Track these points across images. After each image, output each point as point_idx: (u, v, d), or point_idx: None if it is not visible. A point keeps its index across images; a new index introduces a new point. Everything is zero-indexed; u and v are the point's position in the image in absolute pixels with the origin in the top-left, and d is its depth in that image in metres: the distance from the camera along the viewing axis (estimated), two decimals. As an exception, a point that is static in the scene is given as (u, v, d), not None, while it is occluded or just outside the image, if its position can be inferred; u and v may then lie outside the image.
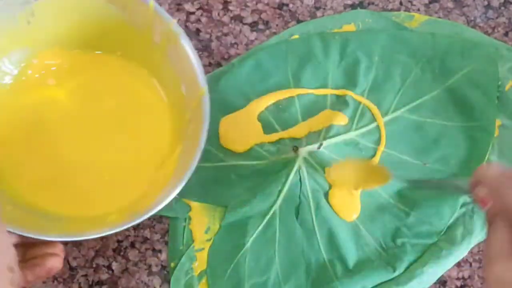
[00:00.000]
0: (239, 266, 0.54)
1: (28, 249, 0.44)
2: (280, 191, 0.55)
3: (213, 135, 0.58)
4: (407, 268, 0.54)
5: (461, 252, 0.55)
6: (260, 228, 0.55)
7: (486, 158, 0.58)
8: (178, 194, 0.55)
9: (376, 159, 0.57)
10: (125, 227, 0.46)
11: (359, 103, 0.59)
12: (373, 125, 0.59)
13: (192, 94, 0.51)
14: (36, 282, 0.43)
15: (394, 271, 0.54)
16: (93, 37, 0.55)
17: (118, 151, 0.54)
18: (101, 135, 0.54)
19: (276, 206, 0.55)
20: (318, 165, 0.56)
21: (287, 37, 0.63)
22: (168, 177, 0.50)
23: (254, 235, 0.55)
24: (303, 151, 0.56)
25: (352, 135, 0.58)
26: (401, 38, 0.62)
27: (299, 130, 0.59)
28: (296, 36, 0.62)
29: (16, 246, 0.42)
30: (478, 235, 0.55)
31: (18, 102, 0.54)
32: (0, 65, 0.53)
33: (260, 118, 0.59)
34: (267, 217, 0.55)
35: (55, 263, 0.44)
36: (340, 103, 0.60)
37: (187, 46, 0.51)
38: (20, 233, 0.43)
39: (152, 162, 0.53)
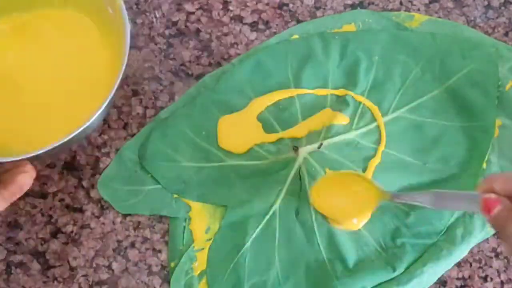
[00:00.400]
0: (239, 265, 0.54)
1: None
2: (280, 191, 0.55)
3: (213, 135, 0.58)
4: (407, 268, 0.54)
5: (461, 252, 0.55)
6: (260, 228, 0.55)
7: (486, 158, 0.57)
8: (178, 194, 0.55)
9: (376, 159, 0.57)
10: (73, 134, 0.48)
11: (359, 103, 0.59)
12: (373, 125, 0.59)
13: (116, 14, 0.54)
14: (12, 199, 0.47)
15: (394, 271, 0.54)
16: None
17: (63, 83, 0.57)
18: (47, 71, 0.58)
19: (276, 206, 0.55)
20: (318, 165, 0.56)
21: (287, 37, 0.63)
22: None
23: (254, 235, 0.55)
24: (303, 151, 0.56)
25: (352, 135, 0.58)
26: (401, 38, 0.62)
27: (299, 130, 0.59)
28: (296, 36, 0.62)
29: None
30: (478, 235, 0.55)
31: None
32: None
33: (260, 118, 0.59)
34: (267, 217, 0.55)
35: (26, 179, 0.48)
36: (340, 103, 0.60)
37: None
38: None
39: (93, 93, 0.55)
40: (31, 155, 0.48)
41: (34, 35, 0.60)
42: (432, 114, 0.59)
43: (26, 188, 0.48)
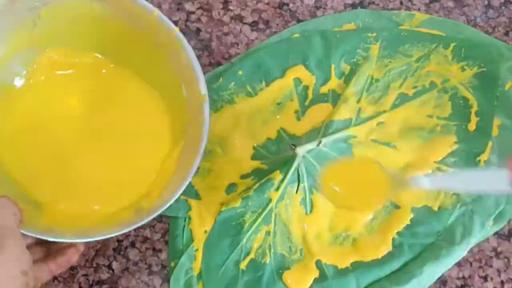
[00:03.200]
0: (234, 261, 0.54)
1: (50, 244, 0.48)
2: (277, 188, 0.55)
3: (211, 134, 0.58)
4: (406, 267, 0.54)
5: (461, 252, 0.55)
6: (256, 225, 0.55)
7: (486, 158, 0.57)
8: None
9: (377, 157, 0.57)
10: (134, 226, 0.47)
11: (359, 100, 0.59)
12: (373, 122, 0.59)
13: (192, 99, 0.53)
14: (57, 272, 0.47)
15: (390, 270, 0.54)
16: (96, 41, 0.56)
17: (119, 153, 0.55)
18: (103, 139, 0.56)
19: (273, 203, 0.55)
20: (317, 162, 0.56)
21: (288, 36, 0.63)
22: (168, 178, 0.51)
23: (250, 232, 0.55)
24: (302, 149, 0.56)
25: (351, 132, 0.58)
26: (401, 36, 0.62)
27: (299, 126, 0.59)
28: (297, 35, 0.62)
29: (36, 244, 0.47)
30: (478, 235, 0.55)
31: (26, 103, 0.56)
32: (11, 66, 0.55)
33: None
34: (264, 214, 0.55)
35: (74, 254, 0.48)
36: (340, 99, 0.60)
37: (189, 53, 0.52)
38: (34, 235, 0.45)
39: (152, 164, 0.54)
40: (95, 239, 0.48)
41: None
42: (432, 112, 0.59)
43: (72, 262, 0.48)
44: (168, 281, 0.54)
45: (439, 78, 0.61)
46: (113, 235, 0.47)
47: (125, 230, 0.47)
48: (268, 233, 0.55)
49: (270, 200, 0.55)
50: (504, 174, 0.41)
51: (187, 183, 0.49)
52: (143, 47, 0.55)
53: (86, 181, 0.54)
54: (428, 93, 0.60)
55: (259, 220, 0.55)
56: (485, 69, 0.60)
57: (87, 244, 0.55)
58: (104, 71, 0.57)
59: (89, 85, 0.57)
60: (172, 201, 0.48)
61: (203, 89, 0.52)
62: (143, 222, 0.47)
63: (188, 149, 0.52)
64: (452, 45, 0.61)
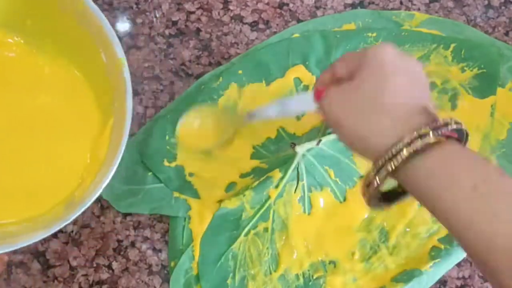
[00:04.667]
0: (231, 256, 0.54)
1: None
2: (277, 186, 0.55)
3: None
4: (405, 267, 0.54)
5: (461, 253, 0.55)
6: (253, 221, 0.55)
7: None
8: (179, 192, 0.55)
9: None
10: (68, 221, 0.44)
11: None
12: None
13: (111, 66, 0.48)
14: None
15: (389, 269, 0.54)
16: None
17: (43, 146, 0.50)
18: (21, 131, 0.50)
19: (271, 201, 0.55)
20: (317, 161, 0.56)
21: (288, 36, 0.63)
22: (101, 161, 0.47)
23: (247, 228, 0.55)
24: (302, 148, 0.56)
25: None
26: (401, 36, 0.62)
27: (300, 126, 0.59)
28: (297, 35, 0.62)
29: None
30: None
31: None
32: None
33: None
34: (262, 210, 0.55)
35: None
36: None
37: (98, 14, 0.47)
38: None
39: (83, 150, 0.50)
40: (18, 246, 0.43)
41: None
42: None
43: None
44: (168, 281, 0.54)
45: (439, 78, 0.61)
46: (37, 239, 0.43)
47: (53, 230, 0.43)
48: (266, 229, 0.55)
49: (269, 197, 0.55)
50: (309, 96, 0.45)
51: (117, 162, 0.44)
52: (46, 14, 0.49)
53: (6, 185, 0.48)
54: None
55: (257, 216, 0.55)
56: (485, 70, 0.60)
57: (87, 244, 0.55)
58: (11, 54, 0.51)
59: None
60: (101, 189, 0.44)
61: (119, 52, 0.47)
62: (73, 217, 0.43)
63: (118, 125, 0.47)
64: (452, 45, 0.61)
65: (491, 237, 0.33)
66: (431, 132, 0.37)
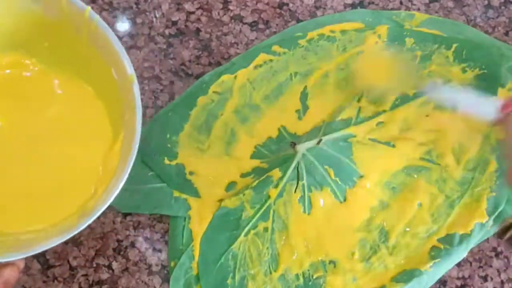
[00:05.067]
0: (231, 256, 0.54)
1: None
2: (277, 186, 0.55)
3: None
4: (405, 267, 0.54)
5: (460, 253, 0.55)
6: (253, 220, 0.55)
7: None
8: (179, 190, 0.55)
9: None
10: (80, 229, 0.45)
11: (359, 99, 0.59)
12: (373, 121, 0.59)
13: (122, 82, 0.49)
14: None
15: (389, 269, 0.54)
16: (11, 38, 0.52)
17: (57, 160, 0.52)
18: (37, 145, 0.52)
19: (271, 200, 0.55)
20: (317, 160, 0.56)
21: (288, 35, 0.62)
22: (112, 173, 0.49)
23: (248, 227, 0.55)
24: (302, 147, 0.56)
25: (351, 131, 0.58)
26: (401, 35, 0.62)
27: (301, 126, 0.59)
28: (304, 42, 0.62)
29: None
30: (477, 235, 0.55)
31: None
32: None
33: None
34: (262, 210, 0.55)
35: (11, 272, 0.44)
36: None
37: (108, 32, 0.49)
38: None
39: (96, 163, 0.52)
40: (31, 253, 0.44)
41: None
42: (431, 112, 0.59)
43: (13, 282, 0.44)
44: (168, 281, 0.54)
45: (440, 79, 0.61)
46: (51, 246, 0.43)
47: (65, 238, 0.44)
48: (266, 229, 0.55)
49: (269, 197, 0.55)
50: (494, 103, 0.44)
51: (126, 175, 0.46)
52: (61, 37, 0.51)
53: (22, 197, 0.50)
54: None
55: (257, 216, 0.55)
56: (486, 71, 0.60)
57: (87, 244, 0.55)
58: (27, 74, 0.53)
59: (11, 89, 0.53)
60: (112, 198, 0.45)
61: (129, 69, 0.48)
62: (85, 225, 0.44)
63: (128, 138, 0.48)
64: (454, 46, 0.61)
65: None
66: None
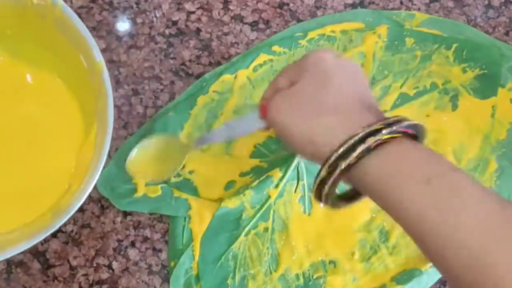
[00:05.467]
0: (231, 256, 0.54)
1: None
2: (277, 186, 0.55)
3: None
4: (405, 267, 0.54)
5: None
6: (254, 220, 0.55)
7: (485, 156, 0.58)
8: (178, 189, 0.55)
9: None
10: (56, 227, 0.44)
11: None
12: None
13: (92, 70, 0.48)
14: None
15: (389, 269, 0.54)
16: None
17: (28, 156, 0.51)
18: (5, 142, 0.51)
19: (271, 200, 0.55)
20: None
21: (289, 35, 0.63)
22: (86, 168, 0.47)
23: (248, 227, 0.55)
24: None
25: None
26: (401, 35, 0.62)
27: None
28: (304, 42, 0.62)
29: None
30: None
31: None
32: None
33: None
34: (262, 210, 0.55)
35: None
36: None
37: (73, 17, 0.47)
38: None
39: (69, 157, 0.51)
40: (4, 257, 0.44)
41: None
42: (431, 112, 0.59)
43: None
44: (168, 281, 0.54)
45: (440, 79, 0.61)
46: (25, 247, 0.43)
47: (40, 238, 0.43)
48: (266, 229, 0.55)
49: (269, 197, 0.55)
50: (255, 115, 0.45)
51: (101, 167, 0.45)
52: (25, 25, 0.49)
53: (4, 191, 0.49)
54: (429, 94, 0.60)
55: (258, 216, 0.55)
56: (486, 71, 0.60)
57: (87, 243, 0.55)
58: None
59: None
60: (87, 194, 0.44)
61: (97, 56, 0.47)
62: (59, 224, 0.43)
63: (101, 130, 0.47)
64: (454, 46, 0.61)
65: (445, 230, 0.33)
66: (384, 130, 0.36)
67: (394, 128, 0.36)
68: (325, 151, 0.38)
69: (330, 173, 0.37)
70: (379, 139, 0.36)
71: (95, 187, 0.57)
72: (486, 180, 0.57)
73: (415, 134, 0.38)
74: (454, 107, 0.60)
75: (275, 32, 0.64)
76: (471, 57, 0.61)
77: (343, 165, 0.37)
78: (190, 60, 0.63)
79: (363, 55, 0.62)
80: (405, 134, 0.37)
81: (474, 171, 0.57)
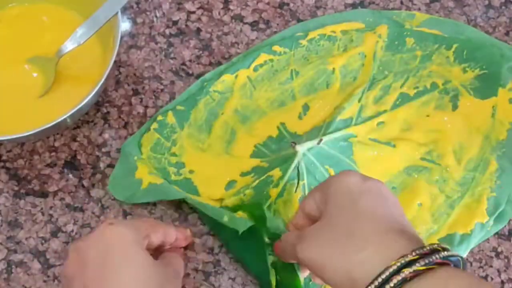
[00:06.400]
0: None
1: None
2: (277, 185, 0.55)
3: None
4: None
5: (461, 253, 0.54)
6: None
7: (485, 155, 0.58)
8: (177, 187, 0.55)
9: (376, 154, 0.58)
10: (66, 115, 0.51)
11: (360, 99, 0.59)
12: (373, 121, 0.59)
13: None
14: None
15: None
16: None
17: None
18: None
19: (272, 200, 0.55)
20: (317, 160, 0.56)
21: (289, 35, 0.63)
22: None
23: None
24: (302, 147, 0.56)
25: (352, 131, 0.58)
26: (403, 36, 0.62)
27: (301, 125, 0.59)
28: (304, 42, 0.62)
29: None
30: (478, 235, 0.55)
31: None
32: None
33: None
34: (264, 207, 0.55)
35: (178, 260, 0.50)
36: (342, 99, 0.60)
37: None
38: None
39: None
40: (27, 134, 0.50)
41: (26, 27, 0.61)
42: (434, 110, 0.59)
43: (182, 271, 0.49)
44: (168, 281, 0.54)
45: (440, 79, 0.61)
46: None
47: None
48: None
49: (270, 197, 0.55)
50: None
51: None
52: None
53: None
54: (429, 94, 0.60)
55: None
56: (486, 71, 0.60)
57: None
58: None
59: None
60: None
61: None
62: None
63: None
64: (454, 46, 0.61)
65: None
66: (420, 260, 0.36)
67: (431, 259, 0.36)
68: (362, 283, 0.37)
69: None
70: (415, 270, 0.36)
71: (95, 187, 0.57)
72: (487, 180, 0.57)
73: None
74: (455, 107, 0.60)
75: (275, 32, 0.64)
76: (471, 57, 0.61)
77: None
78: (190, 60, 0.63)
79: (364, 55, 0.62)
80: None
81: (474, 171, 0.57)
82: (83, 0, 0.59)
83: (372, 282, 0.36)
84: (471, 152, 0.58)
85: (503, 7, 0.66)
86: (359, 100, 0.59)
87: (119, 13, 0.55)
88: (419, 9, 0.66)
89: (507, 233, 0.57)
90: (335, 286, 0.40)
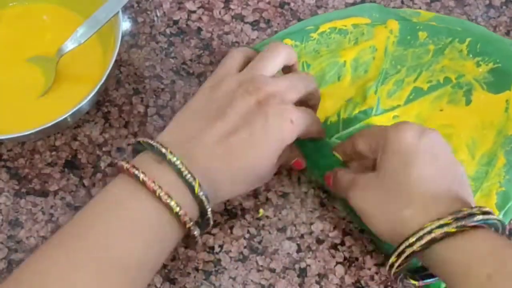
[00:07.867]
0: None
1: None
2: None
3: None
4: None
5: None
6: None
7: (505, 161, 0.58)
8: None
9: None
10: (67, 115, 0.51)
11: (375, 91, 0.59)
12: (389, 115, 0.59)
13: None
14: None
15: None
16: None
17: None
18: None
19: None
20: None
21: (299, 28, 0.62)
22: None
23: None
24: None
25: (372, 121, 0.58)
26: (414, 29, 0.62)
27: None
28: (315, 35, 0.62)
29: None
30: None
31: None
32: None
33: None
34: None
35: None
36: (360, 92, 0.60)
37: None
38: None
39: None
40: (27, 133, 0.51)
41: (27, 27, 0.62)
42: (445, 107, 0.59)
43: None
44: (169, 280, 0.54)
45: (454, 73, 0.60)
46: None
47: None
48: None
49: None
50: None
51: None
52: None
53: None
54: (442, 88, 0.60)
55: None
56: (500, 65, 0.60)
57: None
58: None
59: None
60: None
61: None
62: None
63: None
64: (468, 40, 0.61)
65: None
66: (453, 223, 0.40)
67: (463, 223, 0.40)
68: (399, 238, 0.43)
69: (398, 256, 0.42)
70: (446, 231, 0.40)
71: (96, 186, 0.57)
72: (495, 175, 0.57)
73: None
74: (468, 101, 0.59)
75: (276, 31, 0.64)
76: (484, 51, 0.60)
77: (407, 252, 0.42)
78: (191, 60, 0.63)
79: (375, 48, 0.61)
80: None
81: (487, 166, 0.57)
82: (83, 0, 0.59)
83: (407, 239, 0.41)
84: (485, 147, 0.58)
85: (504, 7, 0.66)
86: (375, 92, 0.59)
87: (120, 13, 0.55)
88: (420, 9, 0.66)
89: (507, 233, 0.57)
90: (379, 234, 0.45)
